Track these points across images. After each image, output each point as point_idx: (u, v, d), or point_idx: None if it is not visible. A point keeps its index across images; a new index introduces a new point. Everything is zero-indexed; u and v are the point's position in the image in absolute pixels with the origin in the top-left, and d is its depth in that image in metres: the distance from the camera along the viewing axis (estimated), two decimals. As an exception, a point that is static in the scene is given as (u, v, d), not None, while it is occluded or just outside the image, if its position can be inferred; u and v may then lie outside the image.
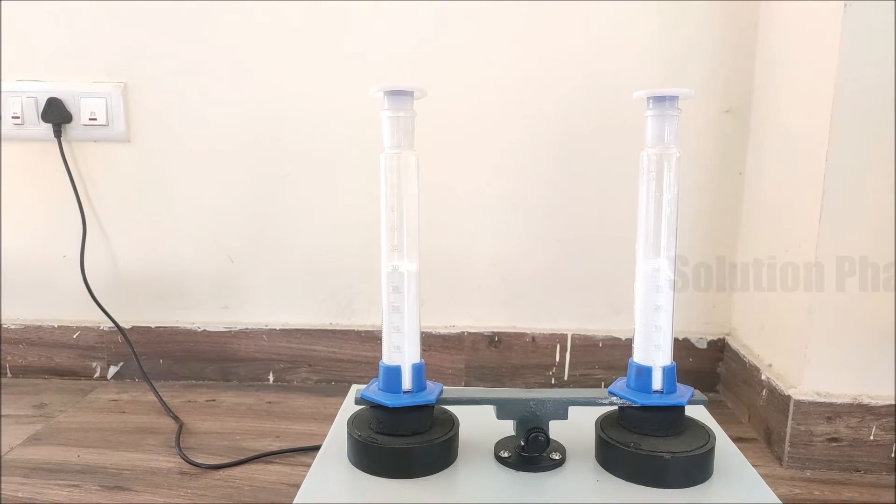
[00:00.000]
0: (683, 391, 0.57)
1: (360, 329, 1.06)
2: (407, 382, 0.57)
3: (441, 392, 0.58)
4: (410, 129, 0.56)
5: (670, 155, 0.55)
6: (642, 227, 0.57)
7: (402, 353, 0.57)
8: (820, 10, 0.79)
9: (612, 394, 0.57)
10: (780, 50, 0.90)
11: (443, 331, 1.05)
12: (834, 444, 0.80)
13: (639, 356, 0.57)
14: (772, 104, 0.92)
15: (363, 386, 0.59)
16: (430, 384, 0.59)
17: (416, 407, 0.56)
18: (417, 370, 0.58)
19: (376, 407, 0.57)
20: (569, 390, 0.60)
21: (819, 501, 0.74)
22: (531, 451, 0.56)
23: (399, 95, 0.55)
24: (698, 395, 0.57)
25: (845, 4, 0.73)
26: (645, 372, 0.56)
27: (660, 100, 0.55)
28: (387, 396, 0.56)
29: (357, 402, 0.58)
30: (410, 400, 0.56)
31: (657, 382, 0.56)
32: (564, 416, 0.57)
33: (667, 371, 0.56)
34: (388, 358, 0.57)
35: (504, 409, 0.57)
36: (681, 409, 0.57)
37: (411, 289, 0.57)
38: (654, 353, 0.57)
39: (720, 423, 0.63)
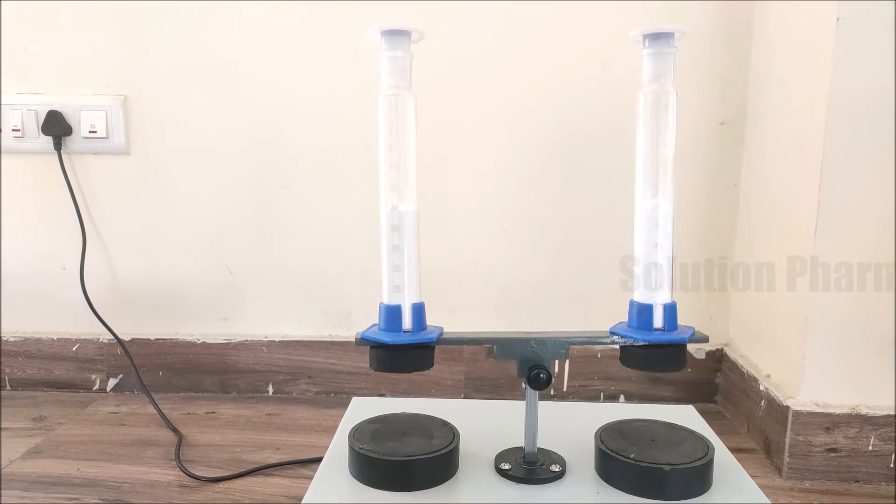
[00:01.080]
0: (684, 329, 0.56)
1: (359, 340, 1.06)
2: (407, 322, 0.56)
3: (441, 333, 0.57)
4: (408, 69, 0.56)
5: (667, 92, 0.55)
6: (640, 166, 0.56)
7: (402, 292, 0.56)
8: (813, 24, 0.80)
9: (613, 333, 0.57)
10: (774, 63, 0.91)
11: (442, 342, 1.06)
12: (833, 454, 0.80)
13: (639, 295, 0.57)
14: (766, 116, 0.93)
15: (364, 398, 0.59)
16: (430, 326, 0.58)
17: (416, 346, 0.55)
18: (418, 310, 0.56)
19: (376, 346, 0.55)
20: (571, 332, 0.58)
21: (818, 512, 0.75)
22: (533, 388, 0.55)
23: (397, 35, 0.55)
24: (699, 334, 0.56)
25: (837, 18, 0.74)
26: (646, 310, 0.56)
27: (656, 37, 0.55)
28: (387, 335, 0.55)
29: (357, 342, 0.56)
30: (411, 338, 0.55)
31: (658, 320, 0.56)
32: (566, 356, 0.56)
33: (667, 309, 0.56)
34: (389, 298, 0.56)
35: (505, 349, 0.56)
36: (682, 345, 0.56)
37: (410, 228, 0.56)
38: (654, 291, 0.56)
39: (719, 433, 0.64)
